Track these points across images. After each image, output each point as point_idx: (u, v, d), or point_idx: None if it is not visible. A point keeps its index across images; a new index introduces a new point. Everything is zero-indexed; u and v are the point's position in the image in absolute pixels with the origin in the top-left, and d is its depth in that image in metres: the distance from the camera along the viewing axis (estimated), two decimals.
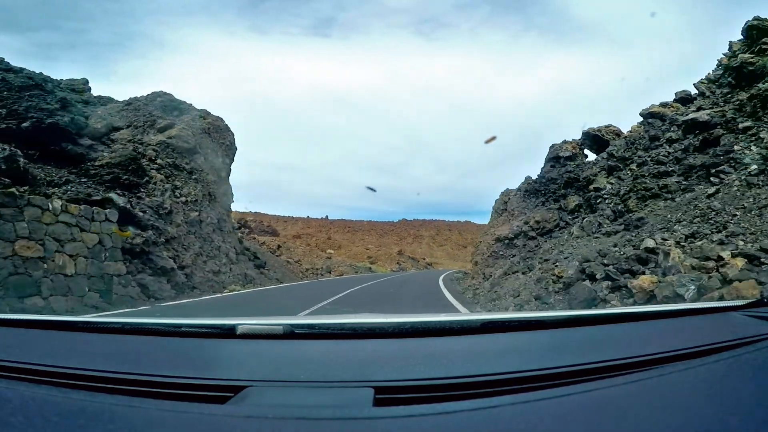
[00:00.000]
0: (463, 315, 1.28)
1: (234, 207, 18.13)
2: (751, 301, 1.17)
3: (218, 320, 1.06)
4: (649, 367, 0.73)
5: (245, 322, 1.00)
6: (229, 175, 16.61)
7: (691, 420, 0.52)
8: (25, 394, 0.63)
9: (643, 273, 5.97)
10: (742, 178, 7.79)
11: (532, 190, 14.47)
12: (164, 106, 14.84)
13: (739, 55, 9.71)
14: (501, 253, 13.97)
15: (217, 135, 15.76)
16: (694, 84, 11.38)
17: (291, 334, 0.97)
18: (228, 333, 0.99)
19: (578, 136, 13.80)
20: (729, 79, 9.96)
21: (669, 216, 8.09)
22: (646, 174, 10.06)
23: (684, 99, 11.28)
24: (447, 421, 0.52)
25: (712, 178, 8.51)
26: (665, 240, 6.84)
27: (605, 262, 6.98)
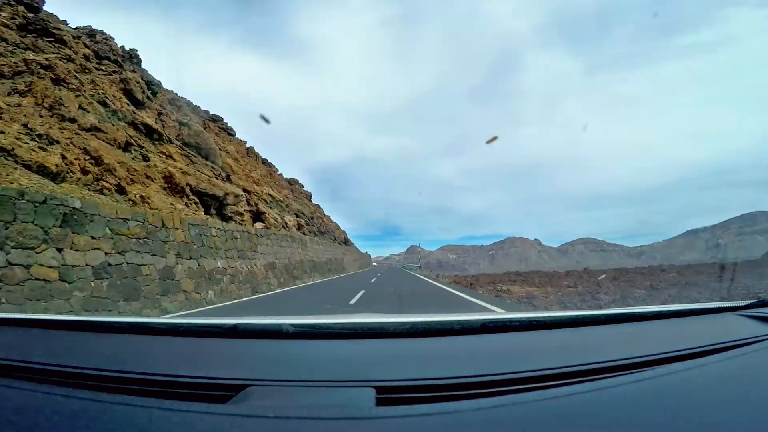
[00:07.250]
0: (464, 315, 1.27)
1: None
2: (750, 302, 1.17)
3: (219, 319, 1.06)
4: (649, 367, 0.73)
5: (246, 322, 1.00)
6: None
7: (691, 420, 0.52)
8: (26, 393, 0.63)
9: None
10: None
11: None
12: None
13: None
14: None
15: None
16: None
17: (292, 333, 0.97)
18: (229, 332, 0.99)
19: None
20: None
21: None
22: None
23: None
24: (448, 421, 0.52)
25: None
26: None
27: None
